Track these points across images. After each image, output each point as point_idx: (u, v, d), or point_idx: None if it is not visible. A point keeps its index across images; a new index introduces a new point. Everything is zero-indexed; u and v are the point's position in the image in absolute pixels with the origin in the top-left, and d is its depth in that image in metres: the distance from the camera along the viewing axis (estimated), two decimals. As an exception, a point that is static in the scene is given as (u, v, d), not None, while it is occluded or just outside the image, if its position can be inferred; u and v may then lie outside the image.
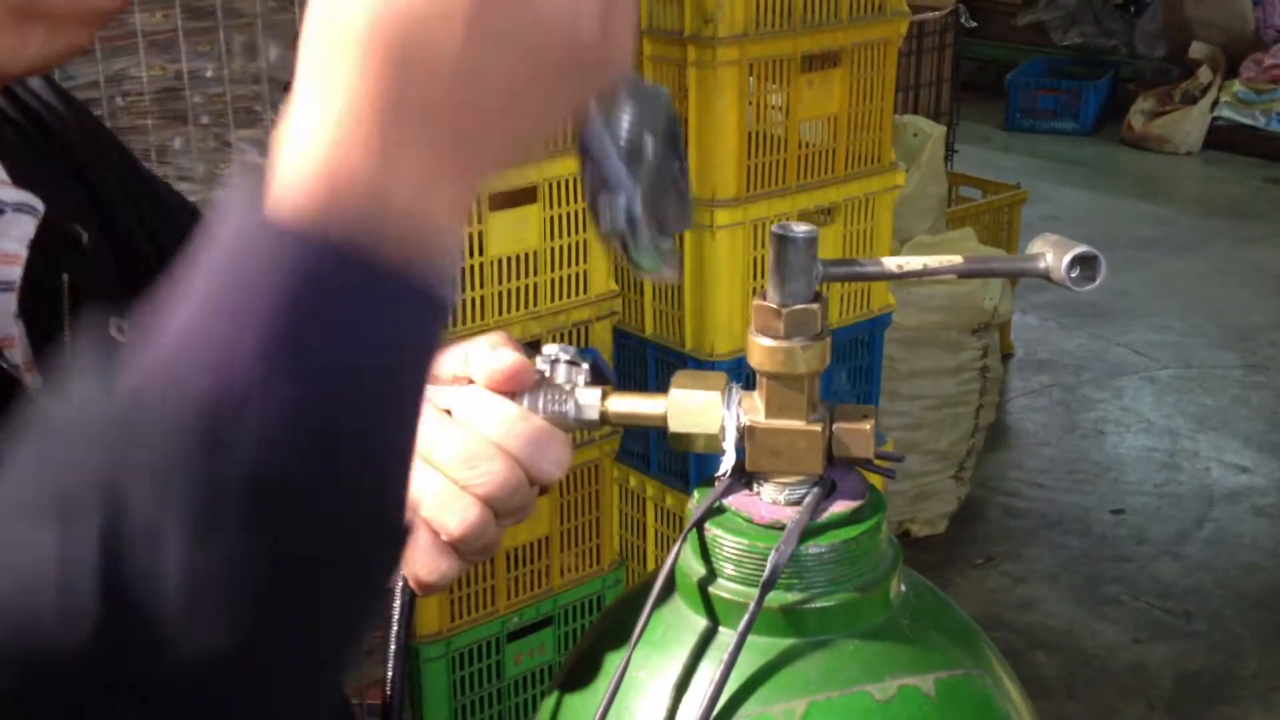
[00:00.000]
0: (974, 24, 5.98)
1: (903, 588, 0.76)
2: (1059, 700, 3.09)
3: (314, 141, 0.51)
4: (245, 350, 0.47)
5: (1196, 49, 7.73)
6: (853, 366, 2.71)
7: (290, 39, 2.03)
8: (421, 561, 0.71)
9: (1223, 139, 7.49)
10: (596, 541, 2.52)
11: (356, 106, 0.50)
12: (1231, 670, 3.19)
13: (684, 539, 0.75)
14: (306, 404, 0.48)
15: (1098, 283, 0.72)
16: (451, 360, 0.76)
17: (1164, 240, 6.20)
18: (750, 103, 2.38)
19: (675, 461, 2.54)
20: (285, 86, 2.05)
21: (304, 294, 0.48)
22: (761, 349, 0.72)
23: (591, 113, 0.62)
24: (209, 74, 2.00)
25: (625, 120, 0.62)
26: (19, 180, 0.77)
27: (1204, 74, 7.62)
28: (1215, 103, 7.54)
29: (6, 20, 0.70)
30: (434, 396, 0.73)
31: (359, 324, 0.49)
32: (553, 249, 2.29)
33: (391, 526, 0.53)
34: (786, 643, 0.71)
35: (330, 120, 0.50)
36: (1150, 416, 4.48)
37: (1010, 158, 7.27)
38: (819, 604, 0.72)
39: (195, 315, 0.48)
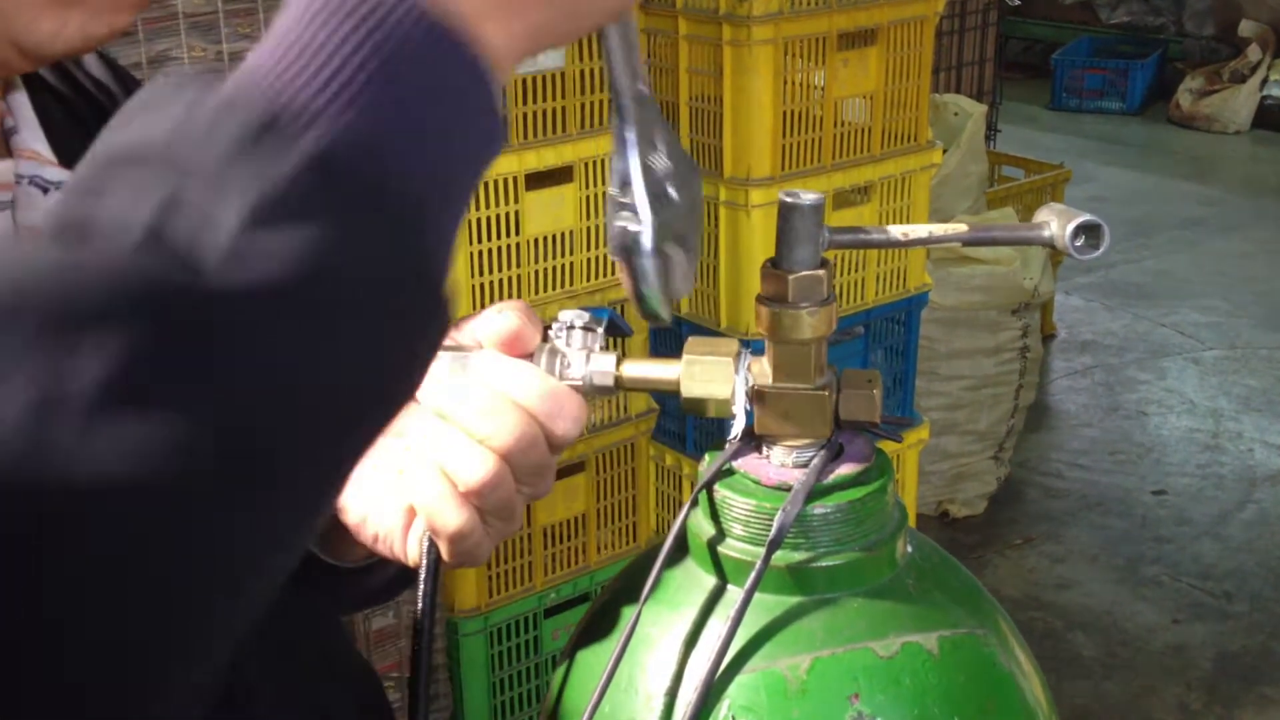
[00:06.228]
0: (1018, 2, 5.93)
1: (909, 548, 0.77)
2: (1097, 680, 3.09)
3: None
4: (315, 71, 0.51)
5: (1245, 27, 7.64)
6: (889, 345, 2.72)
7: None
8: (438, 509, 0.72)
9: (1272, 118, 7.41)
10: (633, 519, 2.54)
11: None
12: (1272, 651, 3.18)
13: (694, 500, 0.77)
14: (366, 128, 0.51)
15: (1101, 251, 0.73)
16: (466, 330, 0.78)
17: (1211, 220, 6.14)
18: (785, 81, 2.39)
19: (712, 439, 2.55)
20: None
21: (378, 32, 0.51)
22: (768, 314, 0.74)
23: (630, 139, 0.65)
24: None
25: (659, 163, 0.66)
26: (65, 161, 0.79)
27: (1253, 52, 7.53)
28: (1264, 81, 7.45)
29: (45, 3, 0.72)
30: (452, 361, 0.75)
31: (429, 73, 0.52)
32: (589, 228, 2.31)
33: (434, 267, 0.53)
34: (793, 600, 0.73)
35: None
36: (1194, 398, 4.45)
37: (1056, 137, 7.21)
38: (825, 563, 0.73)
39: (285, 38, 0.53)
